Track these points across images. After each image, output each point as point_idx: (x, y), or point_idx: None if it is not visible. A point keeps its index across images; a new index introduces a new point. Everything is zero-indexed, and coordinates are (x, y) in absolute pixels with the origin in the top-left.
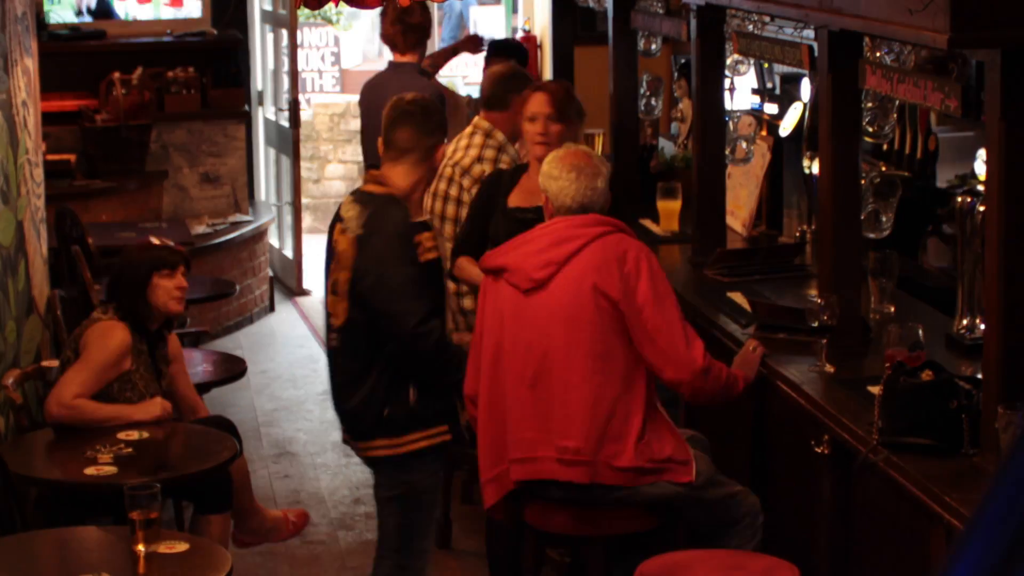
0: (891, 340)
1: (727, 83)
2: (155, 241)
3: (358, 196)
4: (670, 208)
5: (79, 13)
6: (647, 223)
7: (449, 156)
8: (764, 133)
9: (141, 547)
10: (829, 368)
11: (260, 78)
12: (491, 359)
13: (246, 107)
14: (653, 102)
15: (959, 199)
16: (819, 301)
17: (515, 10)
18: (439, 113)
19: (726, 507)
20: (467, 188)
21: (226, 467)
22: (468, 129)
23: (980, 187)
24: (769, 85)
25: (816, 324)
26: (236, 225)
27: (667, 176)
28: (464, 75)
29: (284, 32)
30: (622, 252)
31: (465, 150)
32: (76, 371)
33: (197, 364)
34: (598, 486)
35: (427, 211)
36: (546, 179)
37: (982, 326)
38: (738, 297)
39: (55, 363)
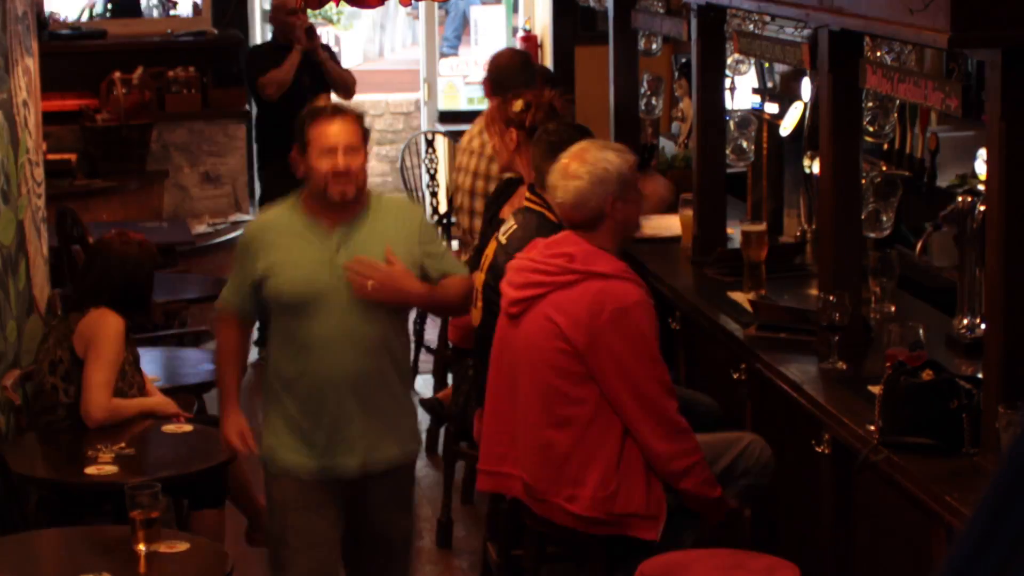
0: (892, 340)
1: (727, 82)
2: (134, 236)
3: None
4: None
5: None
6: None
7: (475, 149)
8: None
9: (142, 547)
10: (841, 364)
11: None
12: (492, 364)
13: (247, 107)
14: (653, 101)
15: (959, 199)
16: (831, 299)
17: (516, 10)
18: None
19: (732, 467)
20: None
21: (226, 466)
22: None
23: (980, 187)
24: (769, 84)
25: (827, 323)
26: (236, 224)
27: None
28: (464, 75)
29: None
30: (599, 304)
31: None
32: (97, 371)
33: (197, 364)
34: (551, 523)
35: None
36: (550, 181)
37: (982, 326)
38: (738, 297)
39: (16, 373)
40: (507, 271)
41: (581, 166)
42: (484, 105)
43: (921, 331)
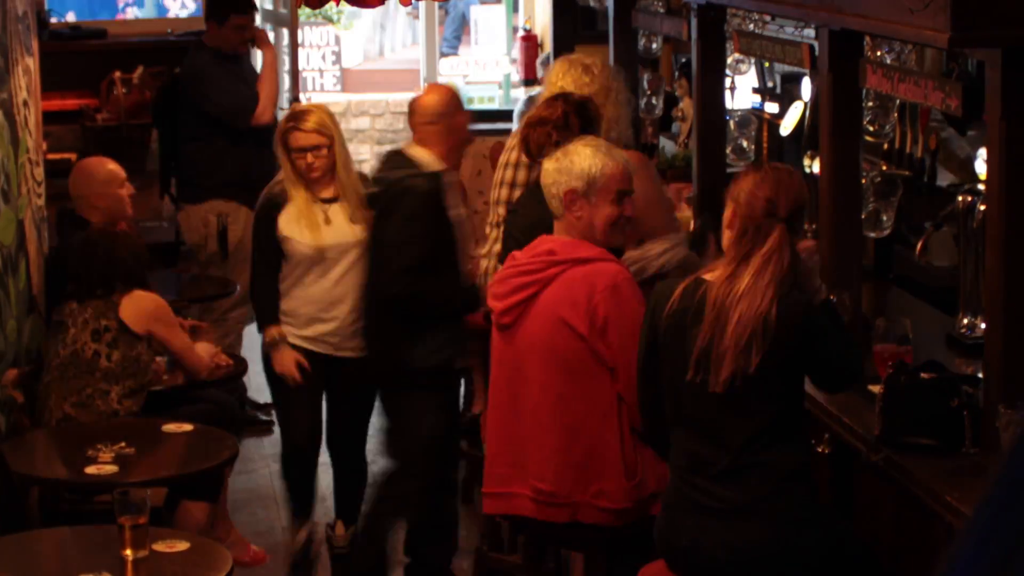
0: (878, 335)
1: (728, 82)
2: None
3: None
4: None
5: None
6: None
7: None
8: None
9: (128, 552)
10: None
11: None
12: (492, 385)
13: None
14: (654, 101)
15: (959, 199)
16: (831, 298)
17: (516, 9)
18: None
19: None
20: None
21: (226, 466)
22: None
23: (980, 187)
24: (770, 84)
25: None
26: None
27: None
28: (465, 74)
29: (285, 31)
30: (591, 284)
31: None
32: (182, 343)
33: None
34: (579, 525)
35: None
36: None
37: (983, 325)
38: None
39: (16, 371)
40: (490, 287)
41: (562, 153)
42: (487, 105)
43: (908, 325)
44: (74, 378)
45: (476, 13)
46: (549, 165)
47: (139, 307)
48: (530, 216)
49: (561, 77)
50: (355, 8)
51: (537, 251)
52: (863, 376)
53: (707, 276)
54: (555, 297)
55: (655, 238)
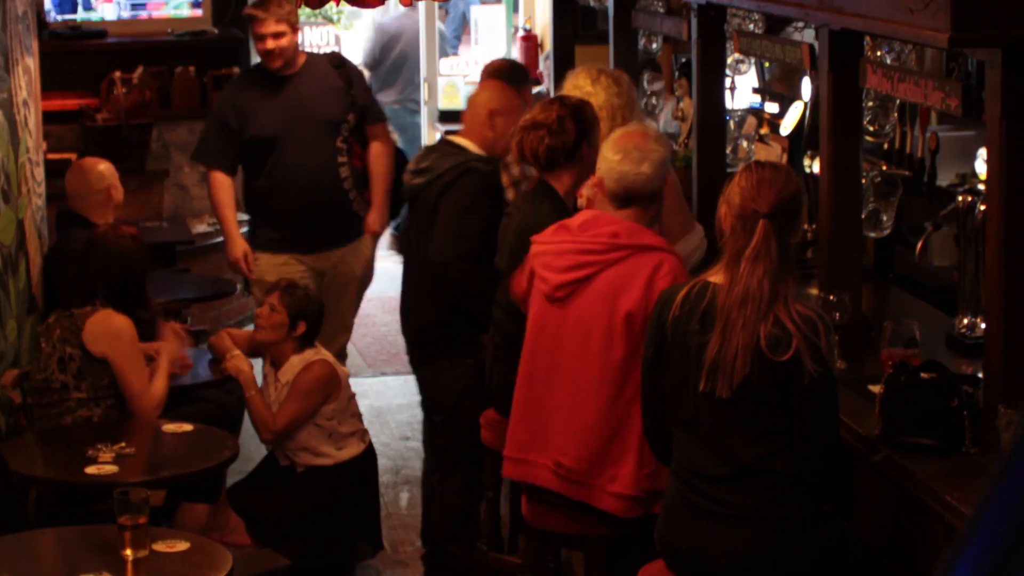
0: (886, 338)
1: (728, 82)
2: (125, 230)
3: None
4: None
5: None
6: None
7: None
8: (765, 131)
9: (128, 552)
10: (841, 364)
11: None
12: (526, 349)
13: None
14: (654, 101)
15: (960, 198)
16: (831, 299)
17: (516, 9)
18: None
19: None
20: None
21: (227, 466)
22: None
23: (981, 186)
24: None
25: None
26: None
27: None
28: (465, 74)
29: None
30: (652, 268)
31: None
32: (137, 378)
33: (197, 363)
34: (590, 508)
35: None
36: (600, 159)
37: (983, 325)
38: None
39: (16, 372)
40: (542, 255)
41: (655, 143)
42: None
43: (916, 328)
44: (48, 406)
45: (476, 13)
46: (656, 155)
47: (100, 327)
48: (525, 219)
49: (590, 84)
50: (355, 8)
51: (599, 231)
52: (827, 477)
53: (711, 279)
54: (615, 282)
55: (674, 237)
